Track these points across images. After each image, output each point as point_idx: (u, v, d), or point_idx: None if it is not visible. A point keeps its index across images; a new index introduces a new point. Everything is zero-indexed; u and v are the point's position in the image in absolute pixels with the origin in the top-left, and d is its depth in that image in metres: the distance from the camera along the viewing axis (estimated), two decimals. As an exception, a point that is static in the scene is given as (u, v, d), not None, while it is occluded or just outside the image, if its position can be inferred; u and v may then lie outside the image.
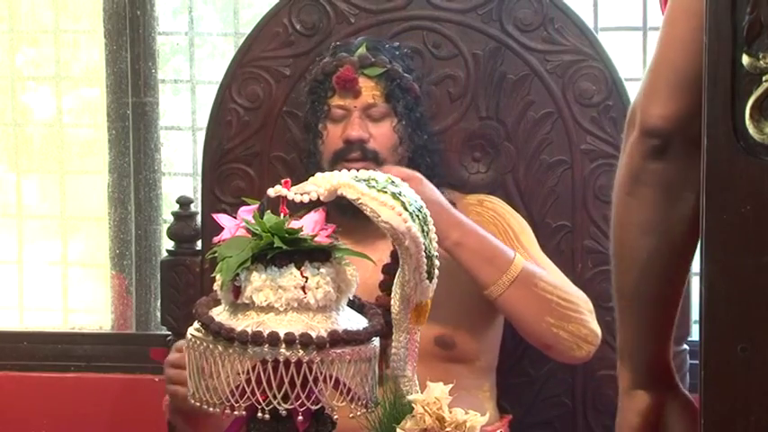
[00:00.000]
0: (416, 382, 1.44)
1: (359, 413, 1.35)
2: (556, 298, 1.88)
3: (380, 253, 1.88)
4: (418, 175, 1.86)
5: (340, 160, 1.95)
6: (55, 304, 2.73)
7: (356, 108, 1.97)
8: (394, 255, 1.85)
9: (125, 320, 2.68)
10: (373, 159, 1.95)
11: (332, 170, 1.92)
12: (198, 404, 1.35)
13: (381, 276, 1.89)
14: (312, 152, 2.02)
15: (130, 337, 2.64)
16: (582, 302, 1.92)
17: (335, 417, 1.38)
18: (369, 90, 1.97)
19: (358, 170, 1.88)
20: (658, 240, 1.35)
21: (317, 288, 1.32)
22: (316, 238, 1.35)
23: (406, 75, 1.99)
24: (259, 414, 1.30)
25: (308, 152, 2.04)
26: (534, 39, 2.14)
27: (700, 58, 1.11)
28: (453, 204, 1.97)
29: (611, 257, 1.43)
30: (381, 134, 1.97)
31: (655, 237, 1.35)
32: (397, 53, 2.03)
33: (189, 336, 1.35)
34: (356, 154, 1.95)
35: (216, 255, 1.34)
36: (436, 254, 1.40)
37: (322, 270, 1.33)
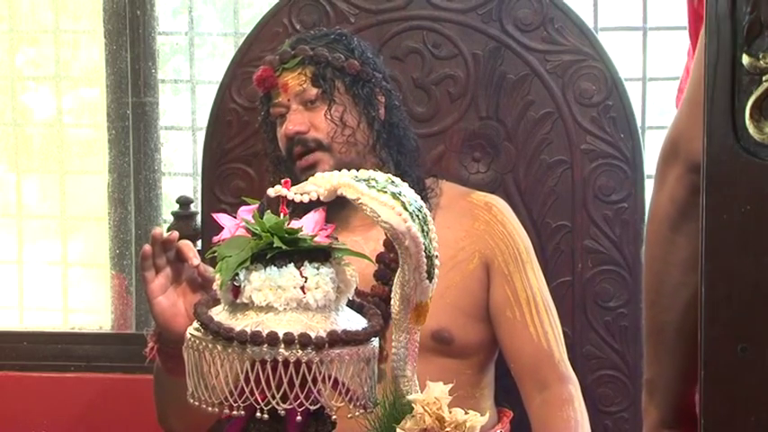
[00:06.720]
0: (416, 381, 1.44)
1: (357, 413, 1.35)
2: None
3: (374, 242, 1.89)
4: None
5: (290, 159, 1.93)
6: (55, 304, 2.73)
7: (290, 101, 1.93)
8: (387, 243, 1.86)
9: (125, 320, 2.68)
10: (318, 148, 1.91)
11: (292, 168, 1.94)
12: (197, 404, 1.34)
13: (376, 266, 1.89)
14: (281, 158, 1.98)
15: (130, 337, 2.64)
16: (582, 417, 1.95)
17: (334, 417, 1.37)
18: (294, 80, 1.92)
19: (309, 164, 1.89)
20: None
21: (316, 288, 1.32)
22: (315, 239, 1.34)
23: (336, 55, 1.92)
24: (258, 414, 1.30)
25: (278, 160, 1.99)
26: (534, 39, 2.14)
27: None
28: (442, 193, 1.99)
29: (646, 294, 1.40)
30: (320, 121, 1.92)
31: None
32: (333, 36, 1.96)
33: (188, 335, 1.35)
34: (298, 148, 1.91)
35: (215, 254, 1.34)
36: (436, 254, 1.39)
37: (321, 270, 1.33)
